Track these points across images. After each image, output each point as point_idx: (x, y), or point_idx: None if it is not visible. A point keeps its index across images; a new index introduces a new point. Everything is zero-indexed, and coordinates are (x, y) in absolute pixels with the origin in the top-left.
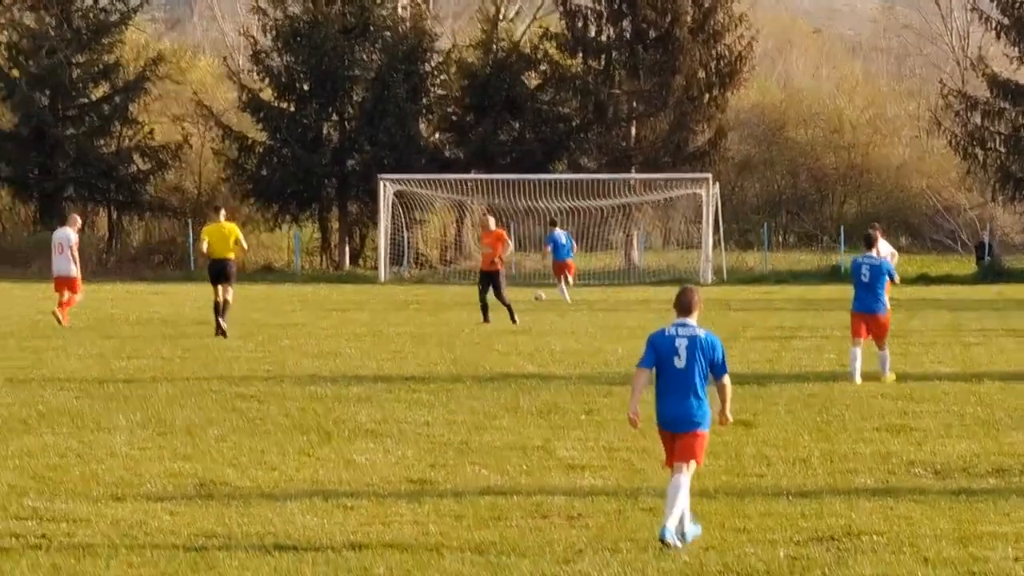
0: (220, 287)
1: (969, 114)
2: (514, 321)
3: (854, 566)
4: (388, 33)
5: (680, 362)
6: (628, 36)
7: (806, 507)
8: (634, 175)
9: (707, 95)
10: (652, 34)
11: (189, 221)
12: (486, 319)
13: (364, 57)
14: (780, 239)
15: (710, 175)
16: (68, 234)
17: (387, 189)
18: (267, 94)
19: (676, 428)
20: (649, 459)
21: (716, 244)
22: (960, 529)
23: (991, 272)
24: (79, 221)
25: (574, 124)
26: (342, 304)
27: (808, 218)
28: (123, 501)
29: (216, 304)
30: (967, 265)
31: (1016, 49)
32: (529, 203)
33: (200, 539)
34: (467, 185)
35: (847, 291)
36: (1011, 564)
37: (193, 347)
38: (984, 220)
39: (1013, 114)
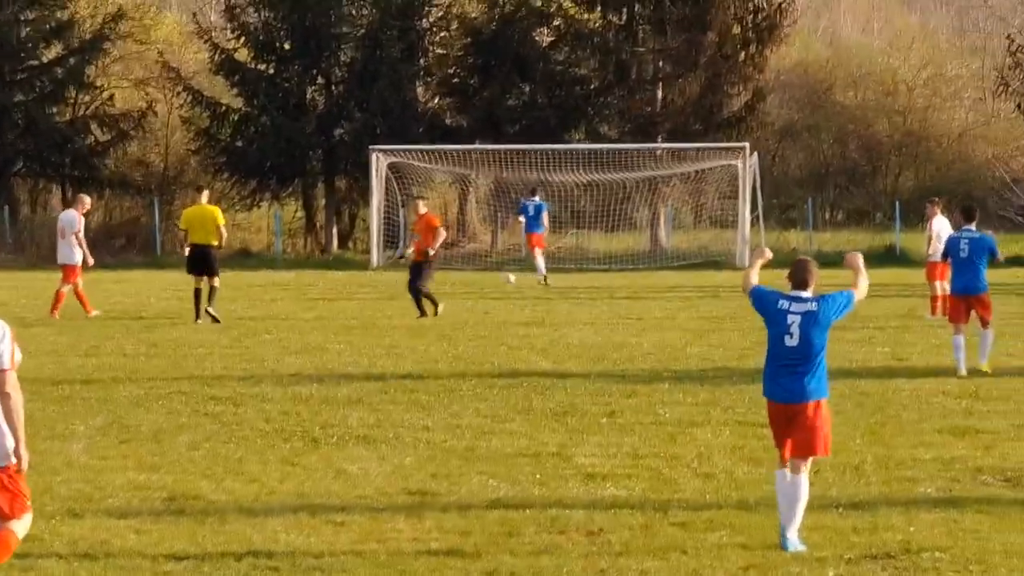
0: (203, 278)
1: None
2: (422, 313)
3: None
4: None
5: (792, 340)
6: None
7: (859, 520)
8: (661, 144)
9: (743, 53)
10: None
11: (155, 199)
12: (422, 311)
13: (353, 12)
14: (827, 216)
15: (747, 144)
16: (72, 217)
17: (380, 161)
18: (243, 54)
19: (792, 399)
20: (679, 467)
21: (754, 222)
22: None
23: None
24: (87, 203)
25: (592, 87)
26: (329, 293)
27: (859, 192)
28: (81, 517)
29: (197, 291)
30: None
31: None
32: (542, 176)
33: (170, 561)
34: (471, 157)
35: (904, 275)
36: None
37: (160, 342)
38: None
39: None
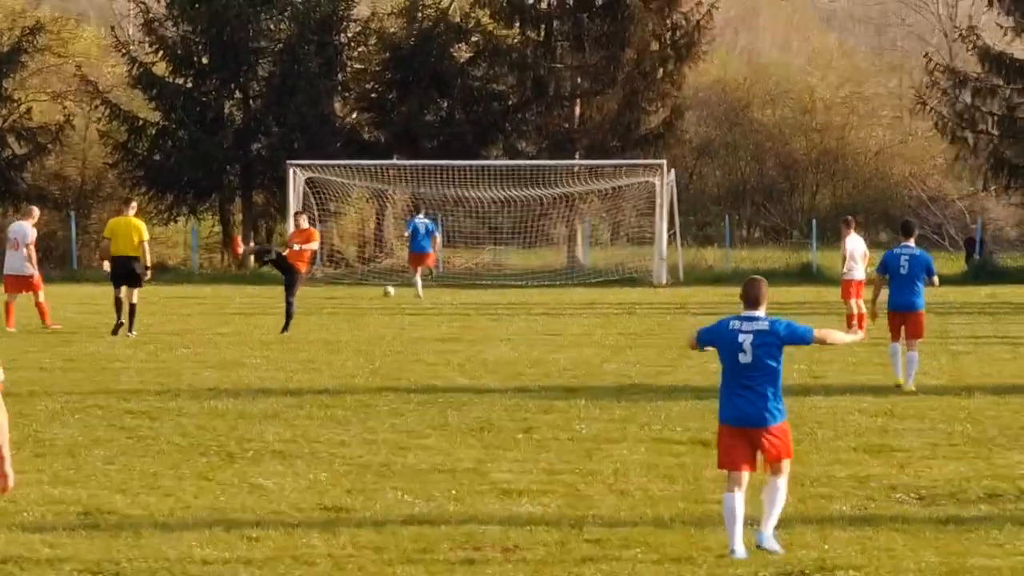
0: (124, 289)
1: (958, 92)
2: (286, 329)
3: None
4: None
5: (746, 357)
6: (571, 3)
7: None
8: (578, 161)
9: (661, 70)
10: (599, 1)
11: (72, 213)
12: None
13: (272, 26)
14: (744, 233)
15: (664, 161)
16: (25, 228)
17: (297, 176)
18: (161, 68)
19: (748, 423)
20: (595, 483)
21: (671, 240)
22: (948, 563)
23: (982, 271)
24: (36, 214)
25: (510, 103)
26: (246, 307)
27: (776, 210)
28: None
29: (118, 300)
30: (956, 263)
31: (1010, 18)
32: (459, 192)
33: (84, 575)
34: (389, 172)
35: (820, 292)
36: None
37: (77, 356)
38: (975, 212)
39: (1007, 92)
